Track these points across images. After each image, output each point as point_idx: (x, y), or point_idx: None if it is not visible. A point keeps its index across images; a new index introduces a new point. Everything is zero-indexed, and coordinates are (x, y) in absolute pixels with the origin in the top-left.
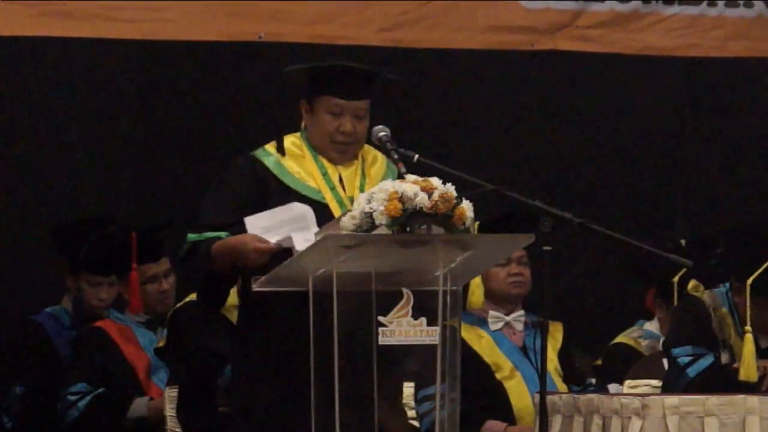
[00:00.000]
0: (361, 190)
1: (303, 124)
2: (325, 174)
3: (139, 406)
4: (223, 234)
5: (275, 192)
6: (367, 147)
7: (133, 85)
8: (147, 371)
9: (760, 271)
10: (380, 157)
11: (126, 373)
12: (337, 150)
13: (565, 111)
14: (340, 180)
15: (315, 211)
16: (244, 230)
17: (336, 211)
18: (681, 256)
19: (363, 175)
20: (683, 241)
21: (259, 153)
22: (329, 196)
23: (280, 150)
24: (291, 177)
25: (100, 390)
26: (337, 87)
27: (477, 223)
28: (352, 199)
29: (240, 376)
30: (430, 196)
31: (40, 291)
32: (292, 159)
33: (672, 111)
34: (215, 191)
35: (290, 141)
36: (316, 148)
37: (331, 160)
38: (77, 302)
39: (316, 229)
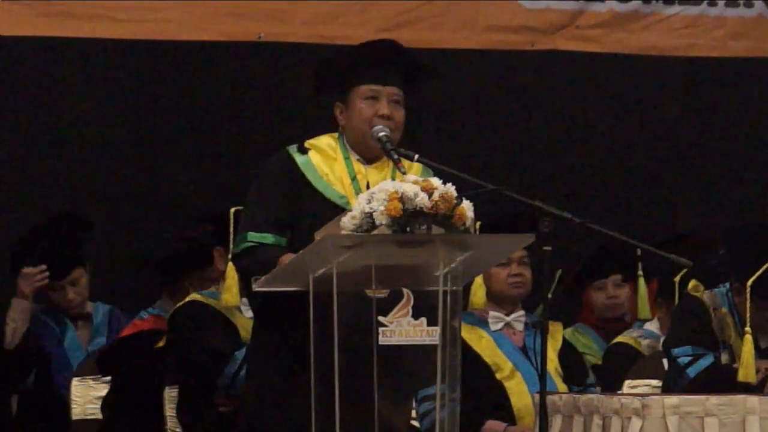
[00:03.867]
0: None
1: (340, 127)
2: (354, 179)
3: None
4: (283, 240)
5: (302, 191)
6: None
7: (133, 85)
8: None
9: (760, 272)
10: (416, 165)
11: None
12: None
13: (565, 111)
14: (368, 187)
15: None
16: (297, 232)
17: None
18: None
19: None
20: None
21: (292, 149)
22: (354, 203)
23: (301, 149)
24: (318, 178)
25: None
26: (371, 73)
27: (479, 223)
28: None
29: (249, 375)
30: (430, 196)
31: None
32: (324, 159)
33: (672, 111)
34: (260, 188)
35: (326, 141)
36: (354, 146)
37: (370, 152)
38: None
39: None
